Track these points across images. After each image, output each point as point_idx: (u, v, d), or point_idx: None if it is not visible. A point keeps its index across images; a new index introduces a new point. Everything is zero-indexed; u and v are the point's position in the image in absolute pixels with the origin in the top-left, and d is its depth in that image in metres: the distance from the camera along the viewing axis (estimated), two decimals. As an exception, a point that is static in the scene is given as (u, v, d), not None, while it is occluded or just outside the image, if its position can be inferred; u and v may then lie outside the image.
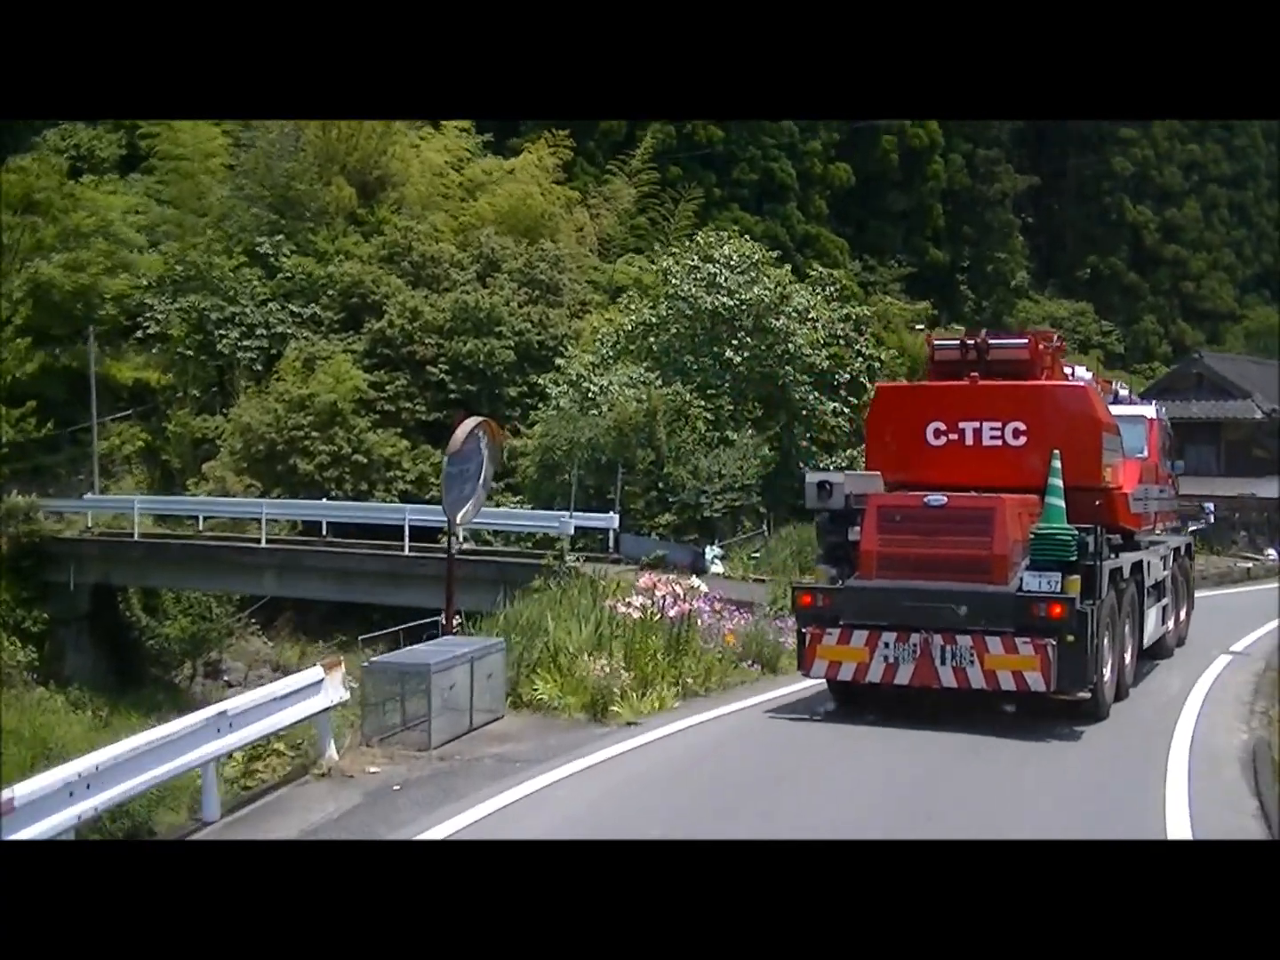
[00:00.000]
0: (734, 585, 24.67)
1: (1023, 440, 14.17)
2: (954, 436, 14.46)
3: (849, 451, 35.29)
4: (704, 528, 31.90)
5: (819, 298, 38.05)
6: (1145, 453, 17.10)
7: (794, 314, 36.04)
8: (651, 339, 36.37)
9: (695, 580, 16.56)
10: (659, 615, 15.65)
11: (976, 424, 14.35)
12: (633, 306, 38.19)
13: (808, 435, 36.12)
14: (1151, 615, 16.44)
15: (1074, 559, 12.97)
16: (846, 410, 36.48)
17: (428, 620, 16.16)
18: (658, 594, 15.87)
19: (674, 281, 36.45)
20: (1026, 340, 15.29)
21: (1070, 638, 12.75)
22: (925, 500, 13.65)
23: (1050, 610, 12.78)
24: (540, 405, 36.18)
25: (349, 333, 42.45)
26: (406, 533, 31.19)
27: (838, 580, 14.05)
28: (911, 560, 13.51)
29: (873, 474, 14.90)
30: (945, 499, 13.56)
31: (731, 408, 34.81)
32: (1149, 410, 18.53)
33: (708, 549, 29.72)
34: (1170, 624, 18.49)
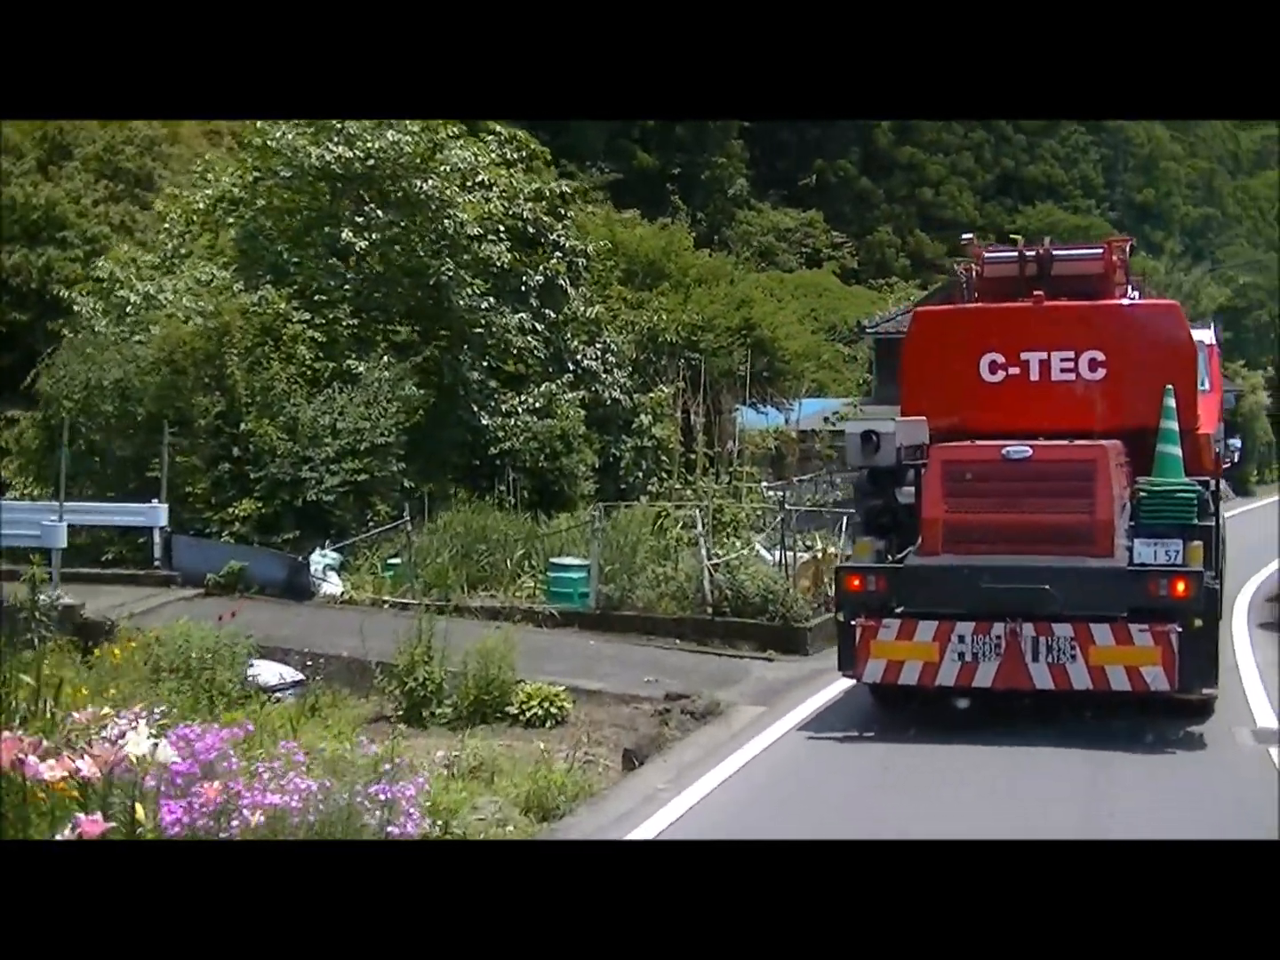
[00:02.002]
0: (358, 619, 15.03)
1: (1100, 373, 12.54)
2: (1015, 370, 12.75)
3: (545, 386, 24.00)
4: (310, 519, 19.87)
5: (492, 158, 25.77)
6: (1208, 386, 15.01)
7: (452, 174, 23.73)
8: (232, 221, 23.74)
9: (123, 735, 5.64)
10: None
11: (1043, 354, 12.65)
12: (209, 177, 25.42)
13: (484, 362, 24.11)
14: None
15: (1194, 521, 11.26)
16: (540, 327, 24.79)
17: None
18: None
19: (265, 128, 23.25)
20: (1100, 250, 13.73)
21: (1197, 621, 10.93)
22: (1004, 452, 11.77)
23: (1172, 587, 10.95)
24: (66, 332, 23.60)
25: None
26: None
27: (886, 556, 12.06)
28: (989, 529, 11.61)
29: (918, 419, 12.67)
30: (1030, 450, 11.71)
31: (355, 323, 22.14)
32: (1208, 335, 16.44)
33: (315, 555, 18.90)
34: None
